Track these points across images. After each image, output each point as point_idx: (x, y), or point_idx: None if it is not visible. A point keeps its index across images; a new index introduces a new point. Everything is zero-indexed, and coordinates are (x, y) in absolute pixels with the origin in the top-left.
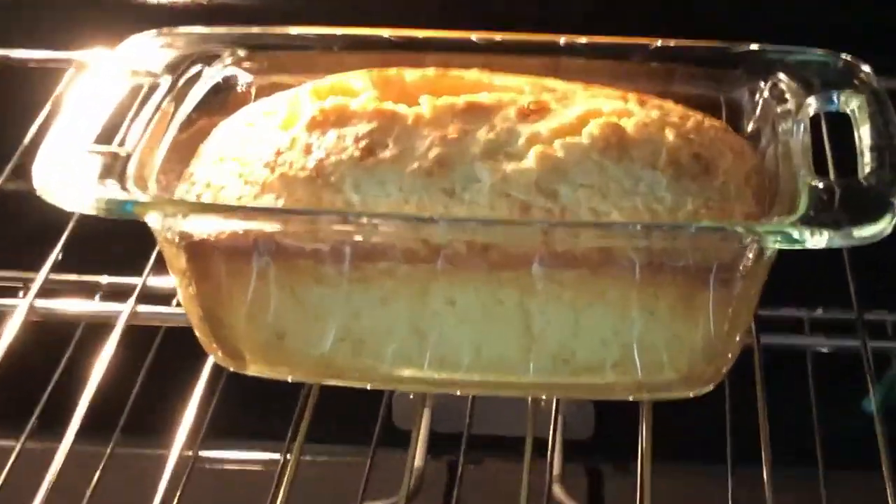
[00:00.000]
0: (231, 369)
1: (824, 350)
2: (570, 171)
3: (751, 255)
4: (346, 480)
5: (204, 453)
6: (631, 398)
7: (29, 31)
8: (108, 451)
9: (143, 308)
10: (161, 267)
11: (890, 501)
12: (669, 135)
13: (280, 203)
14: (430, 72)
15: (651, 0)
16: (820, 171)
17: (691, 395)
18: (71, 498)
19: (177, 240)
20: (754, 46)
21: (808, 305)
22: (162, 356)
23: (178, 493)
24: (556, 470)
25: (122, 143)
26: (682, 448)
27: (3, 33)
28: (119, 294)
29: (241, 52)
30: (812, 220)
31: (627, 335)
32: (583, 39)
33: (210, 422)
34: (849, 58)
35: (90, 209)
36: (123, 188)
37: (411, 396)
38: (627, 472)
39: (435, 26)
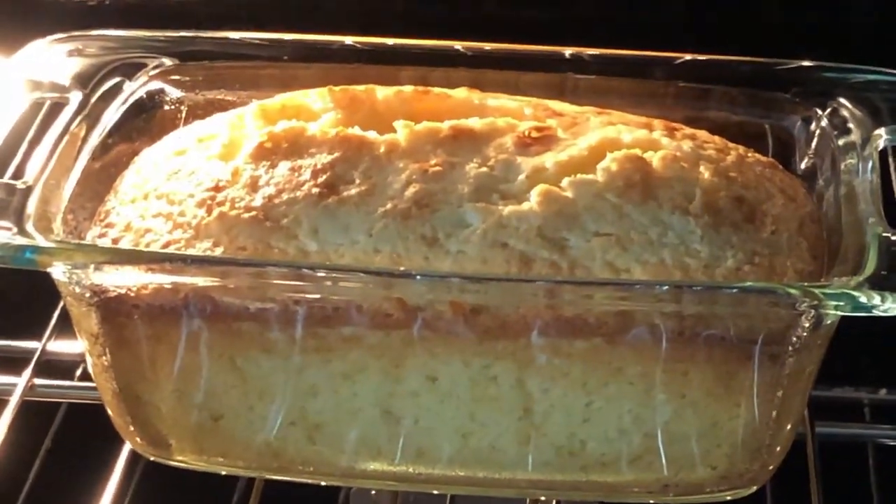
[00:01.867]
0: (151, 458)
1: (890, 443)
2: (582, 216)
3: (806, 324)
4: None
5: None
6: (652, 502)
7: None
8: None
9: (41, 381)
10: (66, 329)
11: None
12: (705, 172)
13: (218, 251)
14: (407, 90)
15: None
16: (892, 218)
17: (729, 498)
18: None
19: (87, 295)
20: (808, 63)
21: (868, 385)
22: (66, 437)
23: None
24: None
25: (19, 175)
26: None
27: None
28: (13, 362)
29: (169, 62)
30: (884, 283)
31: (651, 422)
32: (594, 51)
33: None
34: None
35: None
36: (21, 231)
37: (373, 493)
38: None
39: (411, 32)
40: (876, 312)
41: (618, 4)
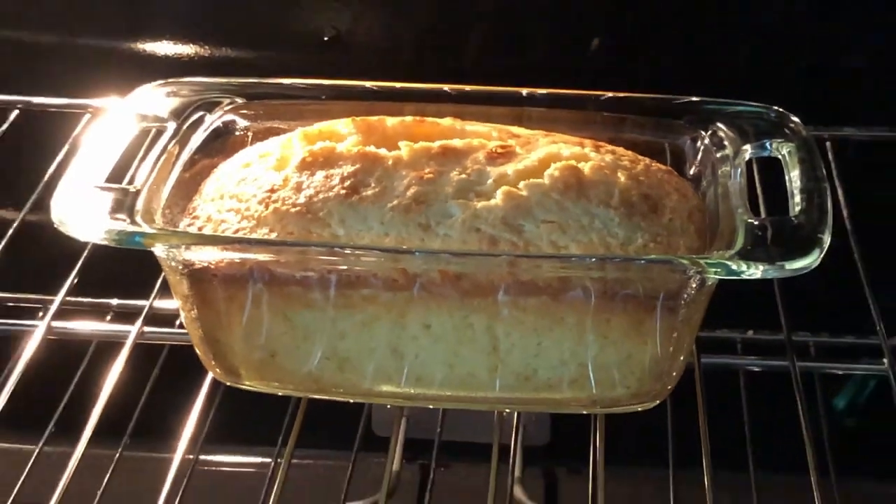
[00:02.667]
0: (228, 384)
1: (756, 369)
2: (534, 209)
3: (694, 285)
4: (330, 482)
5: (204, 457)
6: (585, 412)
7: (50, 79)
8: (117, 455)
9: (149, 329)
10: (166, 291)
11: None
12: (621, 177)
13: (273, 236)
14: (409, 119)
15: (602, 55)
16: (754, 210)
17: (639, 409)
18: (83, 497)
19: (180, 268)
20: (695, 99)
21: (739, 328)
22: (166, 371)
23: (179, 494)
24: (517, 473)
25: (131, 182)
26: (629, 453)
27: (27, 81)
28: (128, 315)
29: (239, 100)
30: (749, 254)
31: (583, 356)
32: (543, 91)
33: (209, 429)
34: (780, 109)
35: (102, 240)
36: (132, 221)
37: (388, 408)
38: (579, 474)
39: (412, 78)
40: (743, 276)
41: (560, 55)
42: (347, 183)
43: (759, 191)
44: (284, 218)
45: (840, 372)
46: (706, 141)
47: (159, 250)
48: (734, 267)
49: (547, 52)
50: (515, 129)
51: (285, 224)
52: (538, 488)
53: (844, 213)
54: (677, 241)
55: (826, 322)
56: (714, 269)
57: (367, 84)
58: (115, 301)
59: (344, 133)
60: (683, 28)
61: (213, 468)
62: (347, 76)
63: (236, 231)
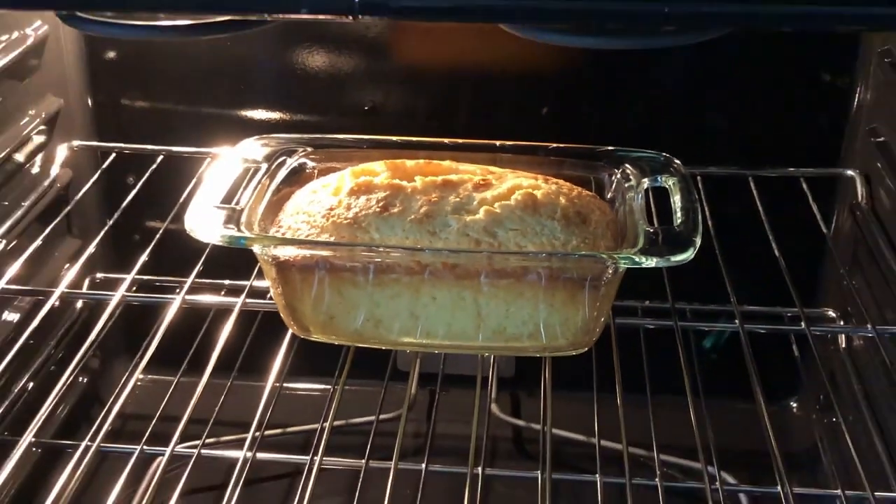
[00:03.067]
0: (301, 337)
1: (651, 328)
2: (504, 221)
3: (610, 272)
4: (370, 401)
5: (286, 385)
6: (538, 355)
7: (183, 134)
8: (229, 383)
9: (249, 300)
10: (260, 275)
11: (689, 409)
12: (562, 200)
13: (332, 239)
14: (421, 161)
15: (549, 118)
16: (650, 221)
17: (574, 353)
18: (207, 411)
19: (269, 260)
20: (611, 148)
21: (639, 299)
22: (260, 329)
23: (270, 409)
24: (493, 395)
25: (238, 203)
26: (567, 382)
27: (168, 136)
28: (235, 291)
29: (309, 149)
30: (646, 251)
31: (537, 318)
32: (510, 143)
33: (289, 367)
34: (667, 155)
35: (219, 242)
36: (239, 230)
37: (408, 352)
38: (534, 395)
39: (423, 135)
40: (643, 265)
41: (521, 119)
42: (381, 203)
43: (653, 209)
44: (339, 227)
45: (706, 328)
46: (618, 176)
47: (256, 248)
48: (637, 259)
49: (512, 116)
50: (492, 168)
51: (339, 231)
52: (507, 405)
53: (710, 223)
54: (599, 243)
55: (697, 295)
56: (623, 261)
57: (394, 138)
58: (226, 281)
59: (378, 171)
60: (603, 99)
61: (292, 392)
62: (380, 133)
63: (307, 236)
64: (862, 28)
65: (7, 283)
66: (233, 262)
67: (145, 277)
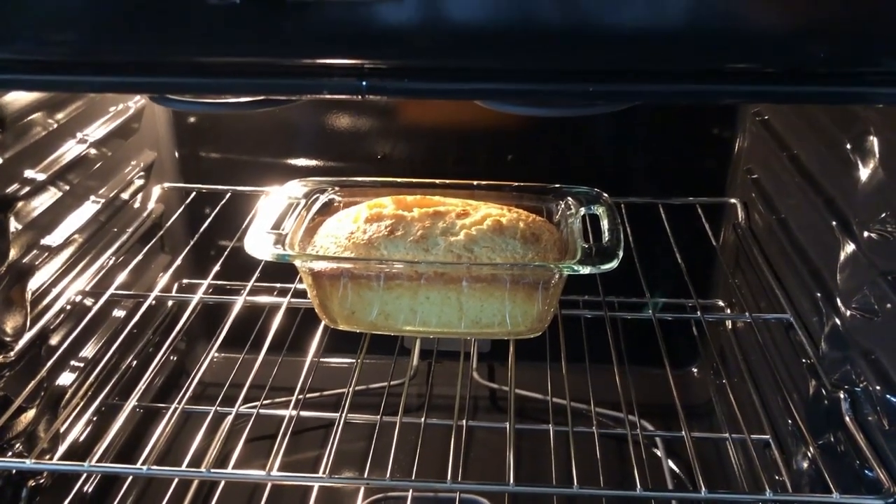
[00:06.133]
0: (331, 327)
1: (588, 317)
2: (479, 241)
3: (557, 277)
4: (382, 371)
5: (322, 360)
6: (506, 338)
7: (243, 176)
8: (280, 359)
9: (293, 300)
10: (300, 281)
11: (616, 375)
12: (521, 224)
13: (352, 255)
14: (418, 197)
15: (514, 164)
16: (585, 240)
17: (532, 336)
18: (263, 379)
19: (307, 270)
20: (557, 185)
21: (579, 294)
22: (302, 321)
23: (311, 376)
24: (474, 365)
25: (283, 229)
26: (529, 356)
27: (232, 178)
28: (283, 292)
29: (336, 188)
30: (583, 262)
31: (504, 311)
32: (484, 182)
33: (325, 347)
34: (598, 190)
35: (270, 258)
36: (284, 249)
37: (407, 337)
38: (504, 366)
39: (419, 176)
40: (580, 272)
41: (491, 165)
42: (388, 228)
43: (588, 230)
44: (358, 246)
45: (629, 317)
46: (562, 206)
47: (297, 262)
48: (576, 268)
49: (484, 163)
50: (470, 202)
51: (358, 249)
52: (485, 373)
53: (630, 240)
54: (549, 256)
55: (623, 291)
56: (566, 269)
57: (399, 179)
58: (277, 285)
59: (386, 204)
60: (551, 150)
61: (326, 365)
62: (389, 175)
63: (334, 253)
64: (736, 101)
65: (116, 288)
66: (281, 271)
67: (218, 282)
